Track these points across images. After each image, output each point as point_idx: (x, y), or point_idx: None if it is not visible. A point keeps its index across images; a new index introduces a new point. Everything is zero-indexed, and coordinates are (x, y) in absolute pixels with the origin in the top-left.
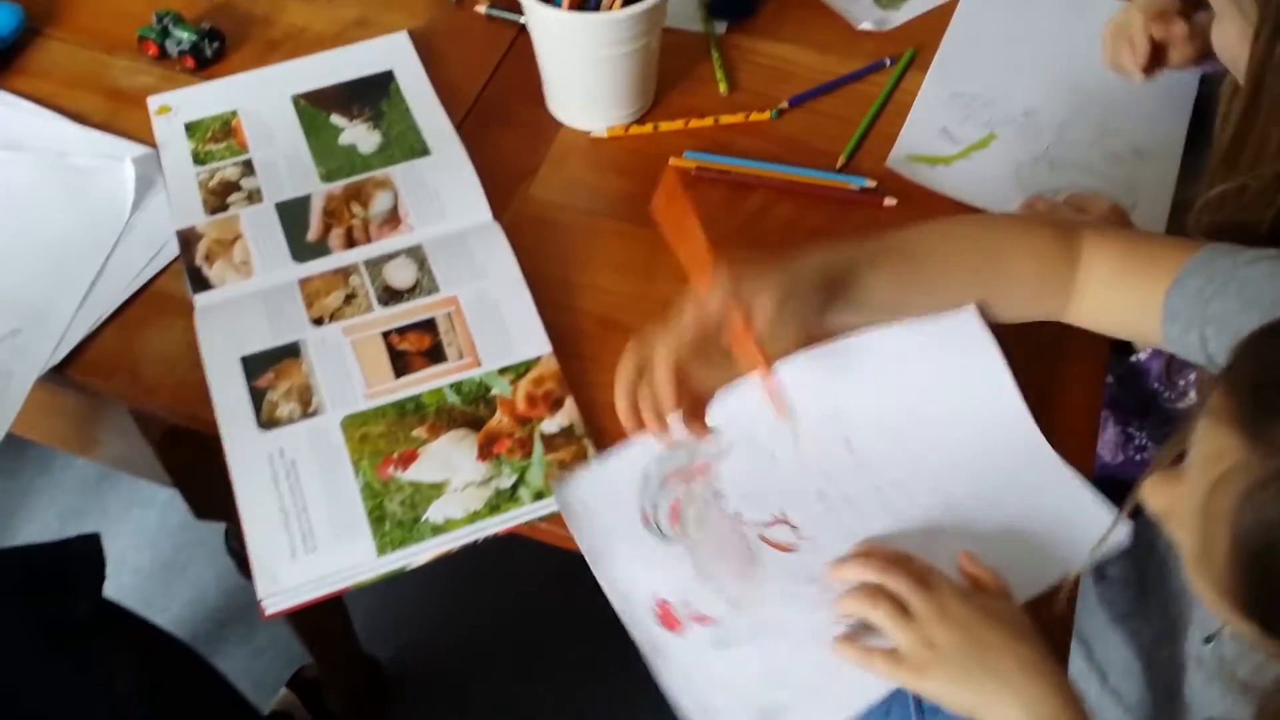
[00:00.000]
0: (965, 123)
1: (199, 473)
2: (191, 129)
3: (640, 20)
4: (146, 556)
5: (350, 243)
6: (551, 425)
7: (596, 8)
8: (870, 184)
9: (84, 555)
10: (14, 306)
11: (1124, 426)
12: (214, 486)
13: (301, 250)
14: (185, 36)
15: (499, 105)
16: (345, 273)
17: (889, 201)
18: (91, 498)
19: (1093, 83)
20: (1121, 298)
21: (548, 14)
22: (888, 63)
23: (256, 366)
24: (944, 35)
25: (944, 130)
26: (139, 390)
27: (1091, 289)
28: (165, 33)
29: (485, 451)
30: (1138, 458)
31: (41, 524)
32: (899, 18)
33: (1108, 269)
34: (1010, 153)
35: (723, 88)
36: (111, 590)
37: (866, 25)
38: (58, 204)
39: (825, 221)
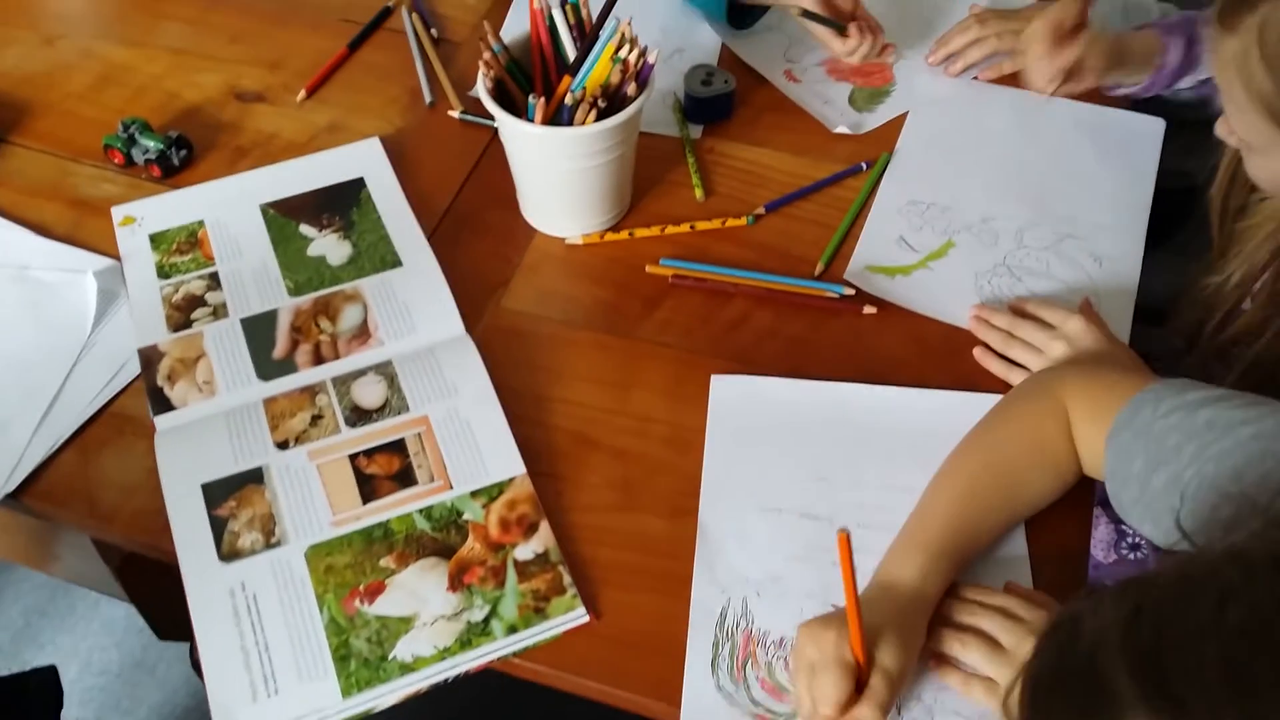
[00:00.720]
0: (922, 231)
1: (160, 595)
2: (156, 240)
3: (614, 133)
4: (114, 657)
5: (318, 359)
6: (525, 551)
7: (570, 122)
8: (849, 291)
9: (41, 687)
10: None
11: (1117, 524)
12: (176, 608)
13: (267, 368)
14: (152, 145)
15: (472, 211)
16: (312, 391)
17: (868, 310)
18: (59, 596)
19: (1049, 188)
20: (1097, 459)
21: (521, 128)
22: (864, 167)
23: (217, 494)
24: (896, 143)
25: (901, 239)
26: (96, 518)
27: (1084, 455)
28: (132, 141)
29: (456, 582)
30: (1131, 556)
31: (5, 623)
32: (875, 120)
33: (1084, 430)
34: (969, 261)
35: (699, 193)
36: (78, 694)
37: (842, 129)
38: (18, 319)
39: (805, 330)
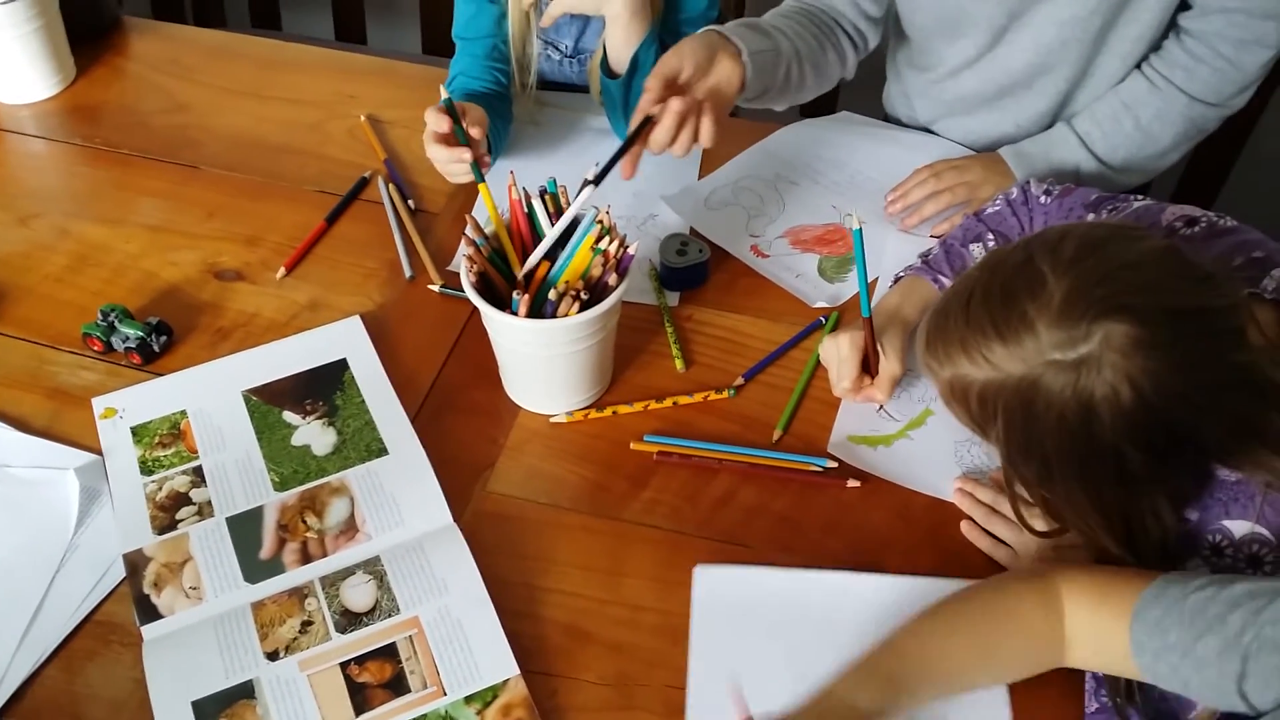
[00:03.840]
0: (900, 398)
1: None
2: (139, 433)
3: (596, 321)
4: None
5: (305, 558)
6: None
7: (553, 313)
8: (831, 464)
9: None
10: None
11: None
12: None
13: (254, 570)
14: (132, 334)
15: (456, 389)
16: (301, 594)
17: (852, 484)
18: None
19: None
20: (1103, 639)
21: (505, 321)
22: (822, 320)
23: (209, 710)
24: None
25: (881, 408)
26: None
27: (1079, 637)
28: (111, 329)
29: None
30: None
31: None
32: (850, 289)
33: (1086, 615)
34: (946, 430)
35: (679, 364)
36: None
37: (821, 303)
38: None
39: (791, 506)
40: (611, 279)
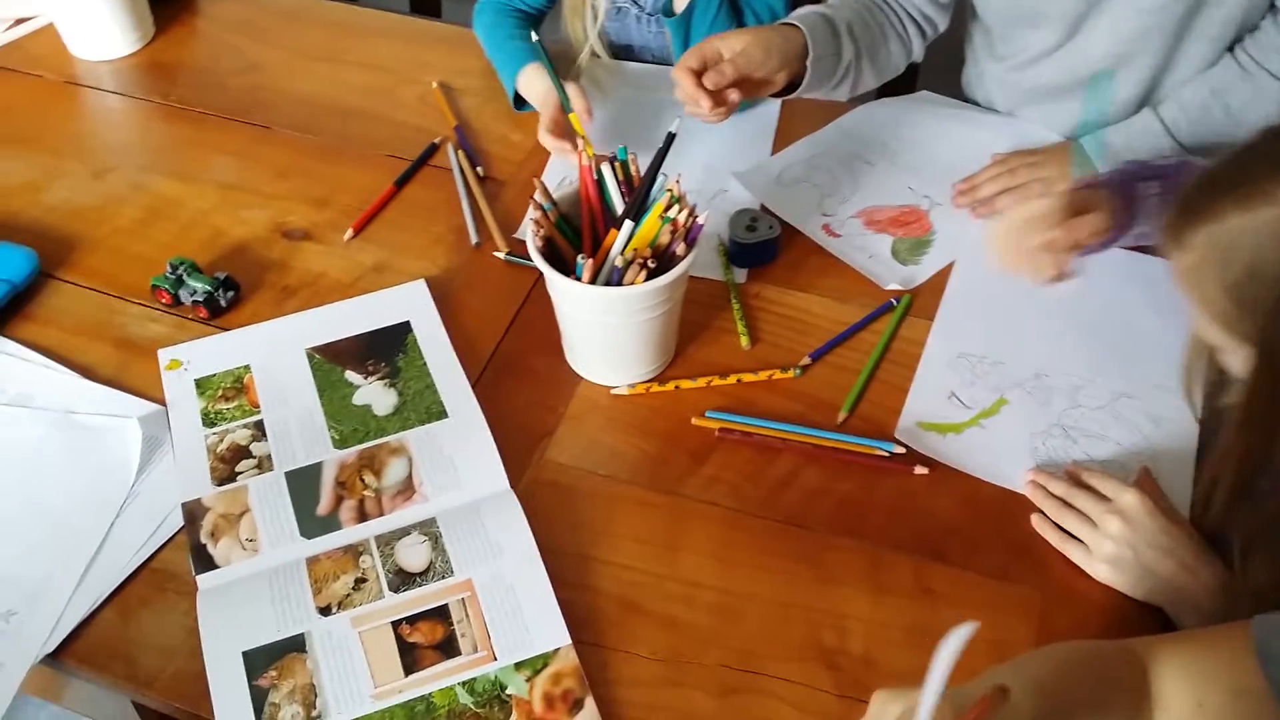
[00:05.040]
0: (974, 386)
1: None
2: (202, 386)
3: (663, 291)
4: None
5: (362, 516)
6: None
7: (619, 280)
8: (899, 450)
9: None
10: (9, 585)
11: None
12: None
13: (310, 525)
14: (200, 287)
15: (517, 357)
16: (355, 551)
17: (919, 470)
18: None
19: (1103, 343)
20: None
21: (570, 287)
22: (893, 303)
23: (259, 662)
24: (944, 293)
25: (952, 395)
26: (136, 682)
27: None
28: (179, 282)
29: None
30: None
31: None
32: (923, 272)
33: (1181, 684)
34: (1022, 420)
35: (744, 341)
36: None
37: (894, 285)
38: (62, 467)
39: (855, 489)
40: (680, 248)
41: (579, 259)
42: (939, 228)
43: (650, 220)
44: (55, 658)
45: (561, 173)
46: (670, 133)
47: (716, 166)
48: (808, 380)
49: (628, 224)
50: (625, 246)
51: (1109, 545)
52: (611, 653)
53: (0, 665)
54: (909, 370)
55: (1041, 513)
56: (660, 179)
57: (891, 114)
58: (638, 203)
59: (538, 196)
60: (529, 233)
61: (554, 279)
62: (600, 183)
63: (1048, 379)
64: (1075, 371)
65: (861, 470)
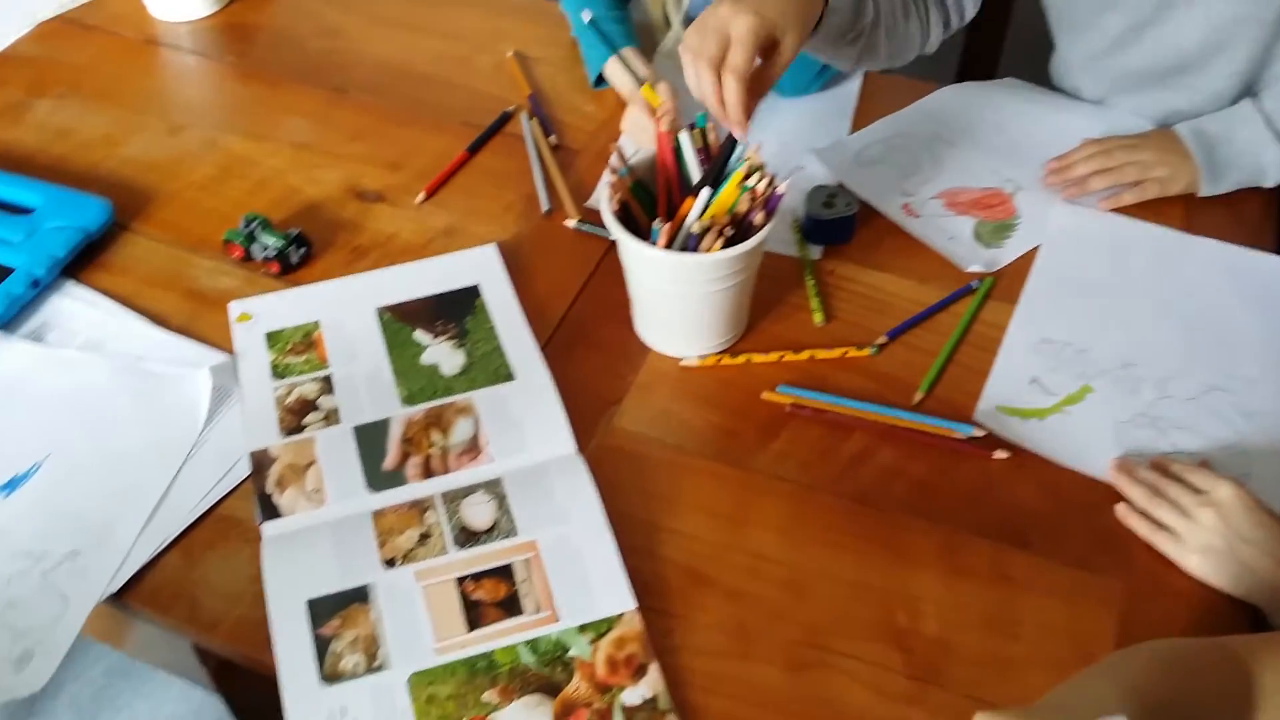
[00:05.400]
0: (1057, 373)
1: (256, 697)
2: (272, 339)
3: (739, 261)
4: None
5: (428, 473)
6: (633, 696)
7: (694, 247)
8: (978, 433)
9: None
10: (75, 525)
11: None
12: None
13: (377, 479)
14: (272, 242)
15: (586, 324)
16: (421, 507)
17: (999, 455)
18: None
19: (1193, 334)
20: None
21: (644, 252)
22: (975, 285)
23: (323, 611)
24: (1027, 277)
25: (1034, 380)
26: (198, 626)
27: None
28: (252, 237)
29: None
30: None
31: (85, 681)
32: (1006, 256)
33: None
34: (1107, 409)
35: (818, 318)
36: None
37: (976, 267)
38: (131, 413)
39: (930, 472)
40: (758, 217)
41: (655, 223)
42: (1024, 211)
43: (729, 188)
44: (119, 599)
45: (641, 153)
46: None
47: (793, 143)
48: (883, 359)
49: (705, 190)
50: (702, 213)
51: (1203, 536)
52: (677, 621)
53: (65, 603)
54: (989, 354)
55: (1128, 503)
56: (739, 147)
57: (975, 97)
58: (716, 170)
59: (614, 160)
60: (604, 196)
61: (628, 244)
62: (677, 150)
63: (1135, 368)
64: (1164, 362)
65: (938, 452)
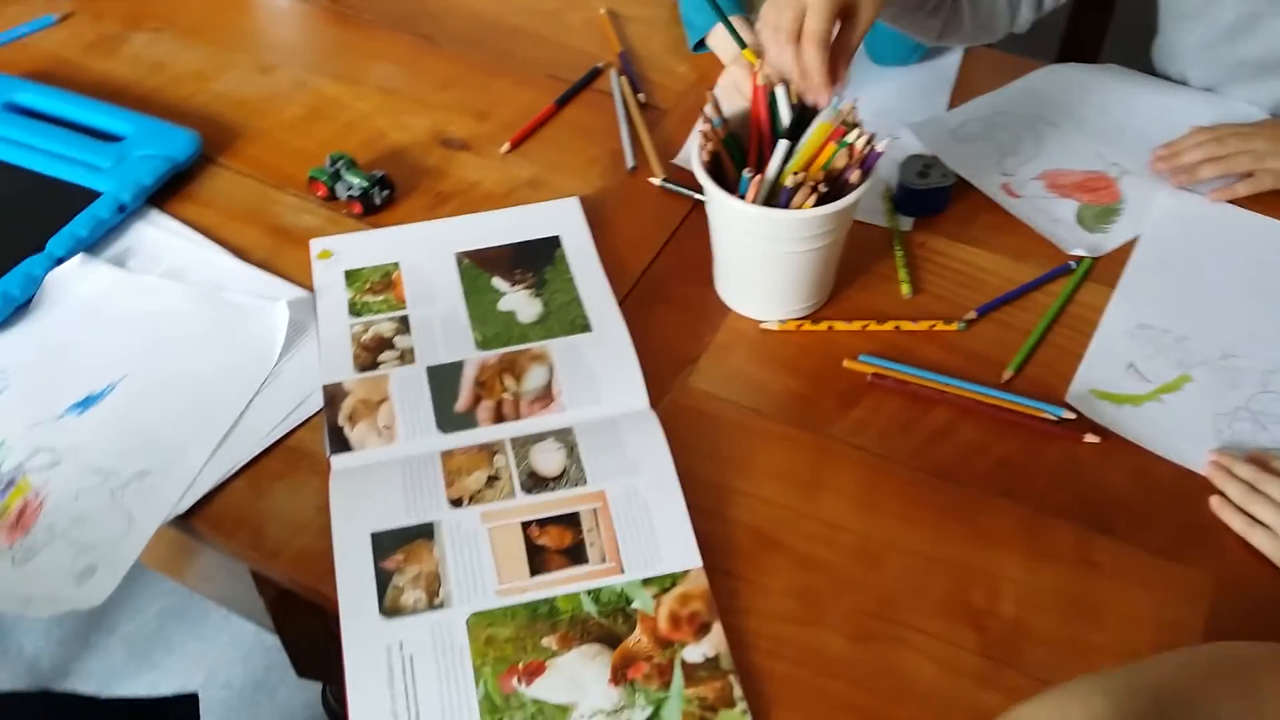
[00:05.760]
0: (1154, 359)
1: (308, 634)
2: (351, 277)
3: (830, 220)
4: (238, 672)
5: (499, 417)
6: (695, 653)
7: (786, 203)
8: (1068, 415)
9: (180, 717)
10: (146, 446)
11: None
12: (322, 650)
13: (448, 420)
14: (356, 182)
15: (665, 282)
16: (490, 450)
17: (1090, 439)
18: (193, 602)
19: None
20: None
21: (733, 205)
22: (1072, 266)
23: (386, 545)
24: (1128, 260)
25: (1130, 366)
26: (261, 553)
27: None
28: (337, 176)
29: (619, 675)
30: None
31: (140, 623)
32: (1111, 241)
33: None
34: (1206, 400)
35: (905, 289)
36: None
37: (1079, 251)
38: (207, 341)
39: (1015, 451)
40: (854, 176)
41: (744, 173)
42: (1129, 196)
43: (814, 138)
44: (184, 521)
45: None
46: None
47: (890, 113)
48: (972, 335)
49: (783, 143)
50: (782, 167)
51: None
52: (743, 583)
53: (131, 521)
54: (1083, 336)
55: (1223, 495)
56: (835, 100)
57: (1078, 78)
58: (797, 122)
59: (708, 110)
60: (695, 146)
61: (716, 196)
62: (772, 104)
63: (1237, 360)
64: (1268, 355)
65: (1025, 432)
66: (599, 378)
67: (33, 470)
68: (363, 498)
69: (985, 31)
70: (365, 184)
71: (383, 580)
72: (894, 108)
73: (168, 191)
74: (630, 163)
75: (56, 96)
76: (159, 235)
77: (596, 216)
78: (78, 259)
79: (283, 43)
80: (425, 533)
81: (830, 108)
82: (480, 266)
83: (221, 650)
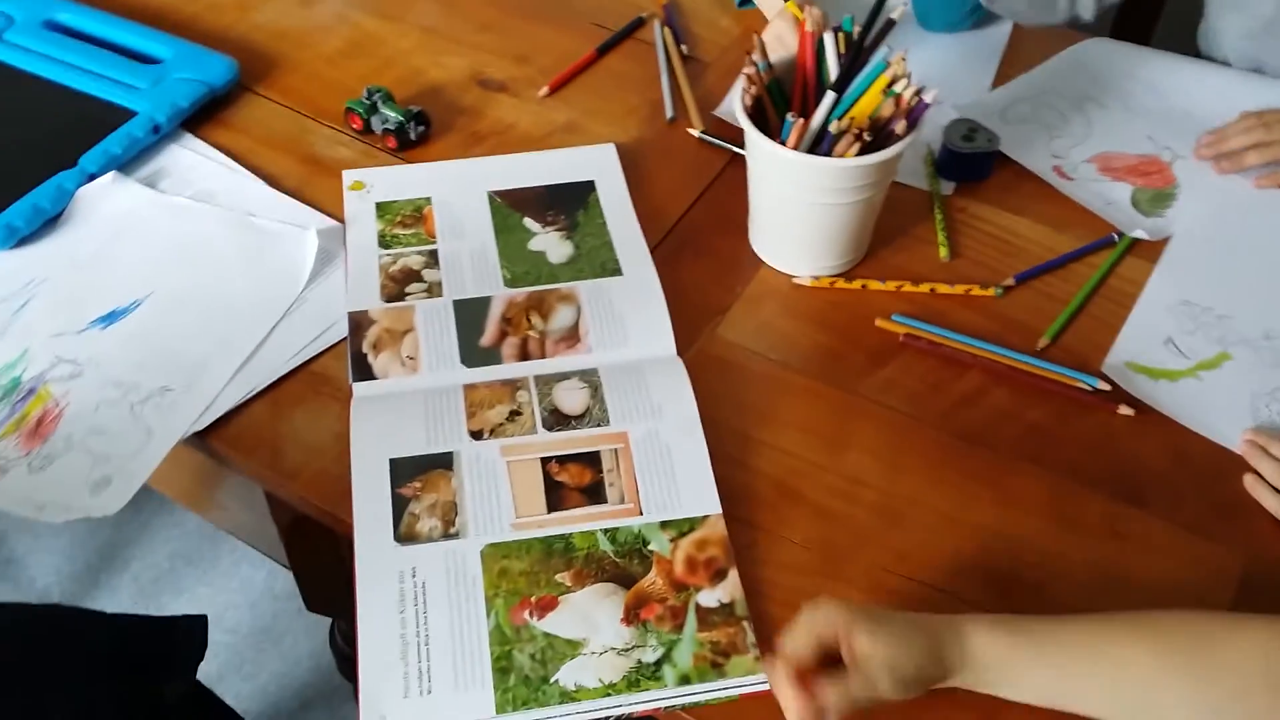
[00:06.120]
0: (1194, 336)
1: (319, 566)
2: (382, 209)
3: (873, 171)
4: (245, 618)
5: (524, 355)
6: (709, 598)
7: (828, 151)
8: (1104, 386)
9: (188, 636)
10: (168, 363)
11: None
12: (333, 583)
13: (472, 355)
14: (392, 115)
15: (699, 233)
16: (513, 386)
17: (1124, 411)
18: (205, 547)
19: None
20: None
21: (772, 150)
22: (1115, 238)
23: (404, 472)
24: (1171, 237)
25: (1169, 341)
26: (278, 474)
27: None
28: (373, 108)
29: (632, 615)
30: None
31: (150, 563)
32: (1170, 224)
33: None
34: (1245, 379)
35: (943, 252)
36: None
37: (1140, 233)
38: (235, 264)
39: (1048, 419)
40: (899, 126)
41: (788, 117)
42: (1183, 180)
43: (871, 93)
44: (202, 438)
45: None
46: (890, 18)
47: (937, 79)
48: (1008, 302)
49: (829, 95)
50: (827, 118)
51: None
52: (762, 533)
53: (149, 435)
54: (1122, 309)
55: (1257, 474)
56: (883, 50)
57: (1127, 57)
58: (846, 72)
59: (754, 55)
60: (738, 92)
61: (757, 140)
62: (819, 52)
63: (1278, 340)
64: None
65: (1058, 400)
66: (627, 321)
67: (54, 380)
68: (383, 424)
69: (1045, 11)
70: (401, 118)
71: (399, 506)
72: (942, 72)
73: (203, 117)
74: (669, 113)
75: (95, 17)
76: (192, 159)
77: (632, 164)
78: (110, 176)
79: None
80: (444, 462)
81: (879, 57)
82: (512, 206)
83: (230, 595)
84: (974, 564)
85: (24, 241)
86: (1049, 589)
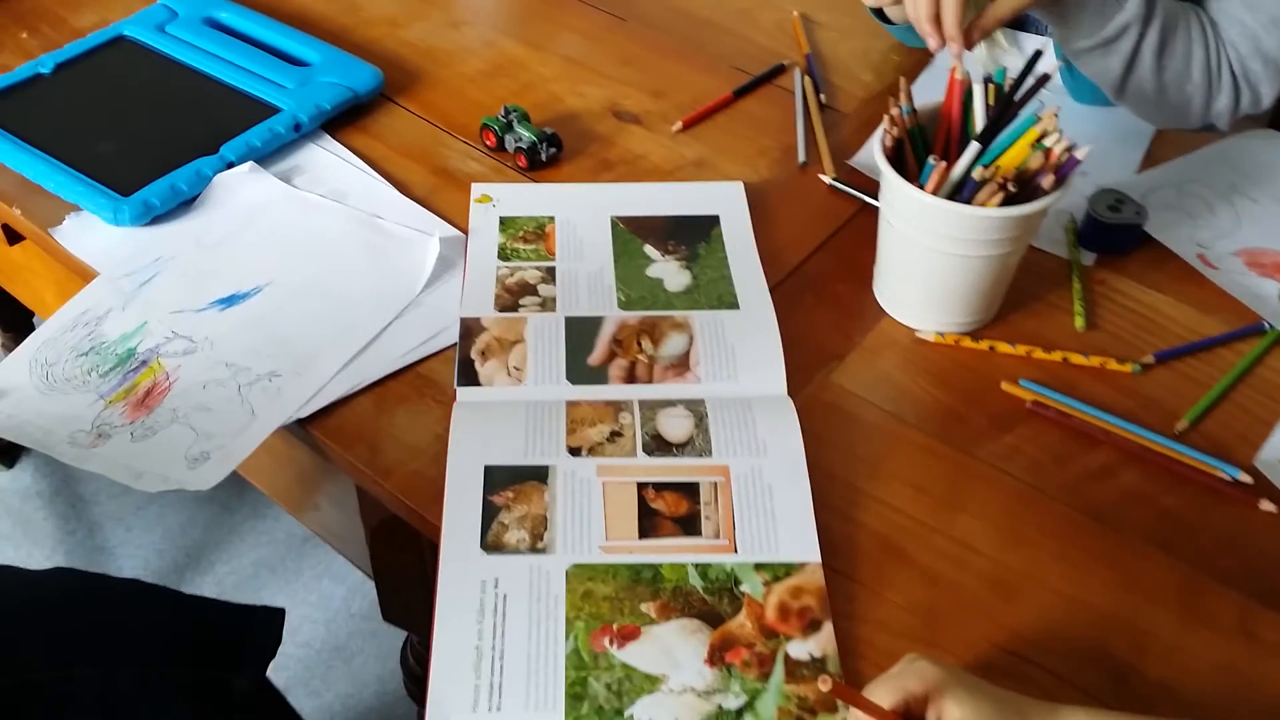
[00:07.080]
0: None
1: (402, 575)
2: (506, 223)
3: (1014, 225)
4: (320, 633)
5: (631, 377)
6: (800, 650)
7: (969, 200)
8: (1245, 478)
9: (264, 627)
10: (281, 350)
11: None
12: (412, 595)
13: (579, 372)
14: (526, 135)
15: (820, 278)
16: (616, 407)
17: (1266, 506)
18: (290, 558)
19: None
20: None
21: (909, 193)
22: (1266, 327)
23: (498, 480)
24: None
25: None
26: (374, 468)
27: None
28: (508, 126)
29: (716, 656)
30: None
31: (235, 567)
32: None
33: None
34: None
35: (1079, 322)
36: (276, 658)
37: None
38: (357, 262)
39: (1180, 505)
40: (1046, 181)
41: (930, 159)
42: None
43: (1020, 145)
44: (304, 426)
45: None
46: (1045, 74)
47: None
48: (1147, 380)
49: (973, 145)
50: (971, 166)
51: None
52: (862, 588)
53: (253, 417)
54: (1270, 401)
55: None
56: (1035, 105)
57: (1276, 149)
58: (994, 125)
59: (900, 96)
60: (876, 138)
61: (894, 182)
62: (967, 103)
63: None
64: None
65: (1193, 488)
66: (739, 356)
67: (167, 355)
68: (482, 431)
69: (1175, 100)
70: (535, 138)
71: (489, 514)
72: (1083, 168)
73: (343, 121)
74: (802, 158)
75: (253, 18)
76: (328, 159)
77: (759, 204)
78: (247, 166)
79: (477, 3)
80: (539, 475)
81: (1030, 111)
82: (634, 232)
83: (308, 609)
84: (1090, 650)
85: (158, 220)
86: (1171, 687)
